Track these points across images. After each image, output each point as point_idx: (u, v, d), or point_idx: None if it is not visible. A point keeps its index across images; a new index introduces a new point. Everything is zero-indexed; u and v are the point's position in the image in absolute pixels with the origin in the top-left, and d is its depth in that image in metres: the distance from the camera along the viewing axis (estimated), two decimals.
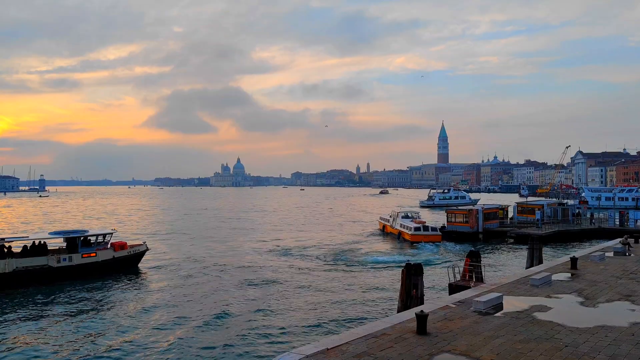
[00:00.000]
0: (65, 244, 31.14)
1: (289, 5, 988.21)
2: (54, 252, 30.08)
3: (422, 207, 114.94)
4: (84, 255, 30.01)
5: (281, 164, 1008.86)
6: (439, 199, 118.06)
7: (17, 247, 29.55)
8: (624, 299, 15.80)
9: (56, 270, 28.56)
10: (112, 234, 33.39)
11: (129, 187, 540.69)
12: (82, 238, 30.92)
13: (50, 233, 33.00)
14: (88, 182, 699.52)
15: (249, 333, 19.29)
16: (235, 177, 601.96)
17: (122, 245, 32.78)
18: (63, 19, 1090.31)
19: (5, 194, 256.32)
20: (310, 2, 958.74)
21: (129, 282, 29.51)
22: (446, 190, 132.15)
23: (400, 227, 49.95)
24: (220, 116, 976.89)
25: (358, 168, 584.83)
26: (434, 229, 47.71)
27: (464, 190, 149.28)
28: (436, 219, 66.30)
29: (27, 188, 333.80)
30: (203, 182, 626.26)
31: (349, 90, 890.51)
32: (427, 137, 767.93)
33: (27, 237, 31.00)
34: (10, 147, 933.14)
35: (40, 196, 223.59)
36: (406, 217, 52.01)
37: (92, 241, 31.40)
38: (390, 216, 56.41)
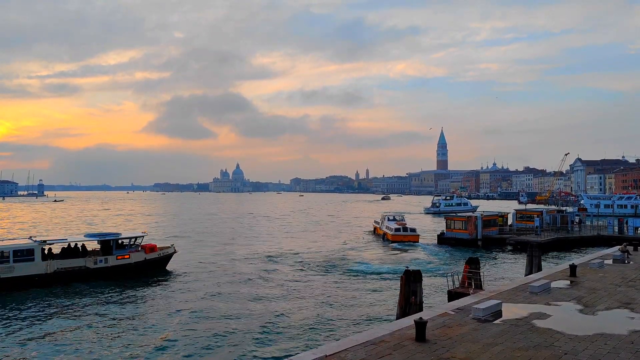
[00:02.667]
0: (99, 246, 32.70)
1: (289, 11, 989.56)
2: (90, 253, 31.56)
3: (426, 213, 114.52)
4: (118, 257, 31.72)
5: (280, 170, 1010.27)
6: (444, 206, 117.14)
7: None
8: (623, 307, 15.79)
9: (93, 271, 30.30)
10: (143, 237, 34.77)
11: (127, 192, 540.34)
12: (115, 241, 32.50)
13: (85, 235, 34.58)
14: (87, 187, 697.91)
15: (248, 339, 19.25)
16: (234, 182, 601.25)
17: (152, 248, 34.23)
18: (64, 23, 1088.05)
19: (4, 199, 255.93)
20: (310, 8, 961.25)
21: (159, 282, 30.74)
22: (449, 197, 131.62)
23: (386, 228, 54.86)
24: (220, 122, 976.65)
25: (357, 174, 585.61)
26: (412, 229, 52.59)
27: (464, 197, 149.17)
28: (439, 225, 66.38)
29: (25, 193, 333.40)
30: (202, 187, 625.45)
31: (348, 96, 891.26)
32: (426, 144, 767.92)
33: (66, 239, 32.53)
34: (9, 151, 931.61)
35: (55, 201, 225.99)
36: (392, 219, 57.25)
37: (125, 244, 32.92)
38: (381, 219, 60.95)
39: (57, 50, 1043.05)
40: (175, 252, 36.32)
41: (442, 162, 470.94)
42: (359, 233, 65.48)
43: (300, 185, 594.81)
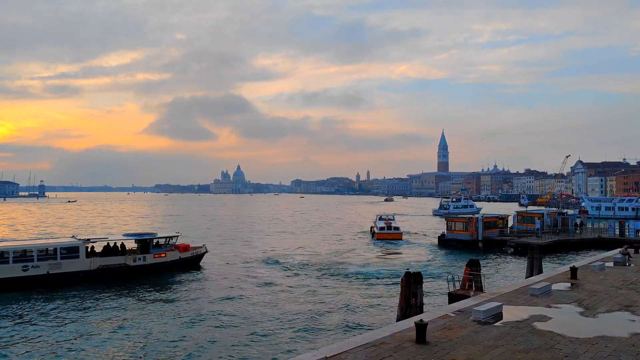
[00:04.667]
0: (137, 245, 34.38)
1: (291, 13, 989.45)
2: (128, 252, 33.38)
3: (435, 215, 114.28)
4: (155, 256, 33.46)
5: (281, 171, 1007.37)
6: (453, 208, 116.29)
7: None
8: (624, 310, 15.76)
9: (132, 268, 32.07)
10: (177, 236, 36.43)
11: (128, 193, 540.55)
12: (152, 240, 34.14)
13: (123, 235, 36.52)
14: (88, 188, 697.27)
15: (249, 340, 19.25)
16: (235, 184, 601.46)
17: (185, 247, 36.12)
18: (65, 25, 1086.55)
19: (5, 200, 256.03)
20: (312, 10, 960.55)
21: (194, 280, 32.45)
22: (457, 199, 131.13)
23: (376, 227, 59.93)
24: (221, 123, 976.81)
25: (358, 176, 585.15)
26: (396, 228, 57.55)
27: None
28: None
29: (26, 194, 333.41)
30: (203, 188, 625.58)
31: (349, 98, 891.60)
32: (427, 146, 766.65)
33: (107, 238, 34.42)
34: (11, 152, 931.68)
35: (69, 201, 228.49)
36: (381, 219, 62.23)
37: (161, 243, 34.69)
38: (375, 219, 66.14)
39: (59, 51, 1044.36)
40: (206, 251, 38.20)
41: (443, 164, 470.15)
42: (359, 234, 65.56)
43: (301, 187, 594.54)
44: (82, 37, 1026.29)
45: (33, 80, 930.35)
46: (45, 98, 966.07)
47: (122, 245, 33.66)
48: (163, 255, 33.82)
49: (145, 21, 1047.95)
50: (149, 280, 31.18)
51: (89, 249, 31.27)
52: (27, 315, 23.34)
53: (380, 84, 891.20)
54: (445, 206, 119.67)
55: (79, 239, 31.52)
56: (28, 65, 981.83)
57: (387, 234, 56.33)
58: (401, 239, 55.46)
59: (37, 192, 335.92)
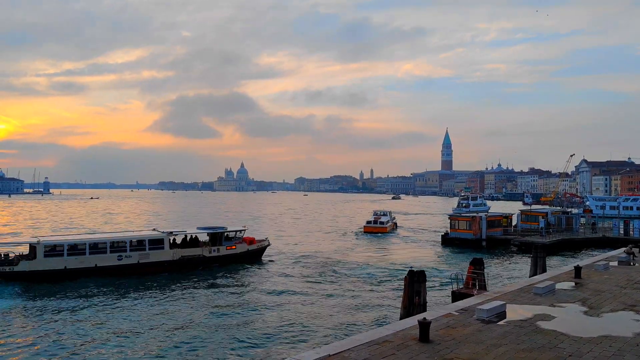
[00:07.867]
0: (208, 238, 36.87)
1: (296, 11, 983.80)
2: (202, 244, 36.24)
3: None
4: (227, 248, 36.35)
5: (285, 170, 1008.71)
6: (473, 206, 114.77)
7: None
8: (628, 309, 15.71)
9: (208, 259, 35.10)
10: (244, 230, 39.10)
11: (132, 190, 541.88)
12: (223, 234, 36.98)
13: (197, 228, 39.69)
14: (92, 185, 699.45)
15: (250, 339, 19.28)
16: (238, 181, 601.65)
17: (251, 240, 38.82)
18: (71, 22, 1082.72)
19: (10, 196, 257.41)
20: (317, 8, 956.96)
21: (260, 269, 35.57)
22: (474, 198, 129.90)
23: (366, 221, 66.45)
24: (225, 121, 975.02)
25: (362, 174, 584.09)
26: (382, 223, 63.68)
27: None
28: None
29: (31, 190, 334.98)
30: (206, 186, 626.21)
31: (353, 97, 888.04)
32: (430, 145, 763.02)
33: (185, 231, 37.39)
34: (16, 149, 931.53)
35: (91, 198, 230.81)
36: (376, 214, 68.54)
37: (230, 236, 37.53)
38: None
39: (65, 48, 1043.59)
40: (269, 244, 40.91)
41: (447, 162, 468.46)
42: (360, 231, 65.48)
43: (305, 185, 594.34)
44: (88, 34, 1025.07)
45: (39, 77, 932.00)
46: (50, 95, 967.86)
47: (196, 237, 36.48)
48: (234, 247, 36.71)
49: (151, 19, 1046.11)
50: (221, 269, 34.15)
51: (171, 241, 34.06)
52: (125, 297, 26.31)
53: (385, 83, 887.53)
54: (464, 204, 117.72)
55: (163, 232, 34.60)
56: (34, 63, 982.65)
57: (372, 228, 62.88)
58: (386, 232, 62.14)
59: (42, 189, 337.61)
